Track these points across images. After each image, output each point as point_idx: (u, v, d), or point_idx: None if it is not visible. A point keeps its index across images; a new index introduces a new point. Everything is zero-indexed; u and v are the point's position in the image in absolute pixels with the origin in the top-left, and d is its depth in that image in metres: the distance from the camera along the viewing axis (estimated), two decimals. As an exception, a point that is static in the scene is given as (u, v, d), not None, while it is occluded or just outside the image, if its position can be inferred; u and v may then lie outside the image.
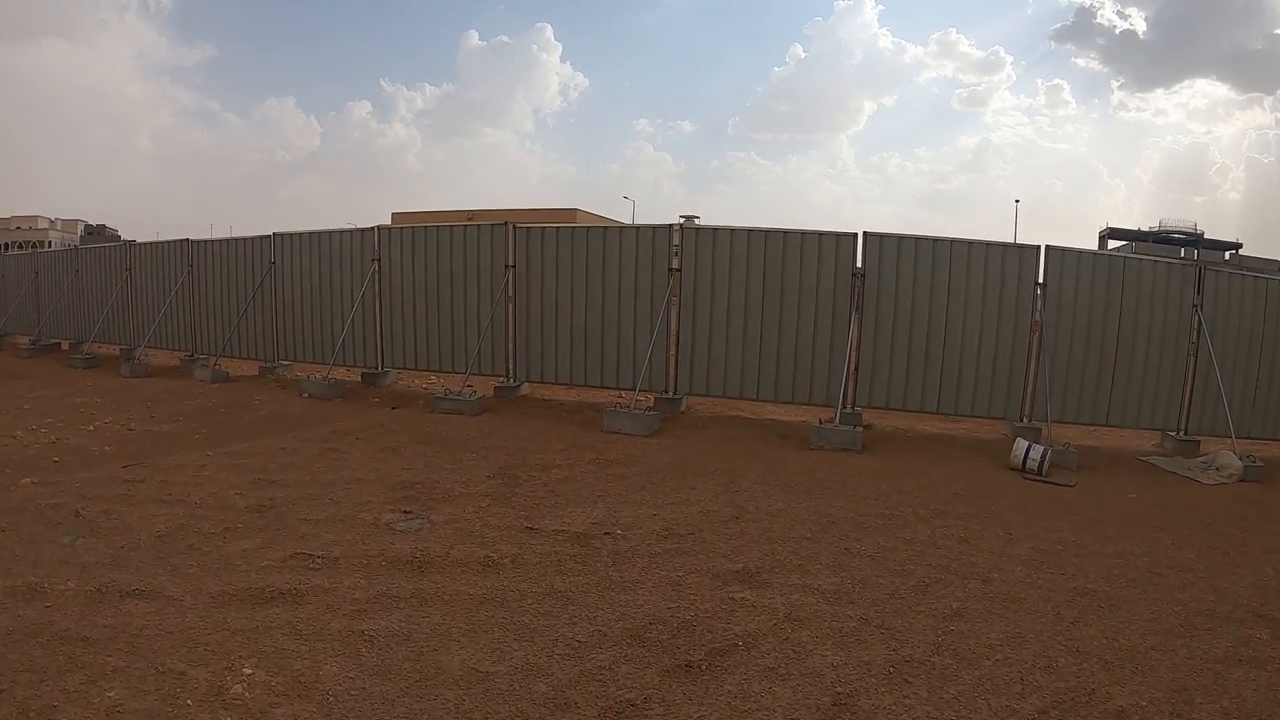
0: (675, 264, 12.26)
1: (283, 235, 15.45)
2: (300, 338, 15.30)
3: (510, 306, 13.24)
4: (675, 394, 12.49)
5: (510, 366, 13.38)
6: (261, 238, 15.74)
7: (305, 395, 13.03)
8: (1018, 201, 78.23)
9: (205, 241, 16.87)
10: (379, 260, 14.11)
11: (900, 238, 11.67)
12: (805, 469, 9.25)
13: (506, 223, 13.20)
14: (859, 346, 11.52)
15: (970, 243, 11.53)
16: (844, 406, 11.04)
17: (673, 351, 12.45)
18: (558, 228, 13.06)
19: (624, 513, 7.21)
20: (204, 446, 9.75)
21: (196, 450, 9.52)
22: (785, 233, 11.91)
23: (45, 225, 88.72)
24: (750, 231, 12.08)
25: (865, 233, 11.74)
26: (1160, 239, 73.56)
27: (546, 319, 12.97)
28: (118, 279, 18.68)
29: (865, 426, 11.32)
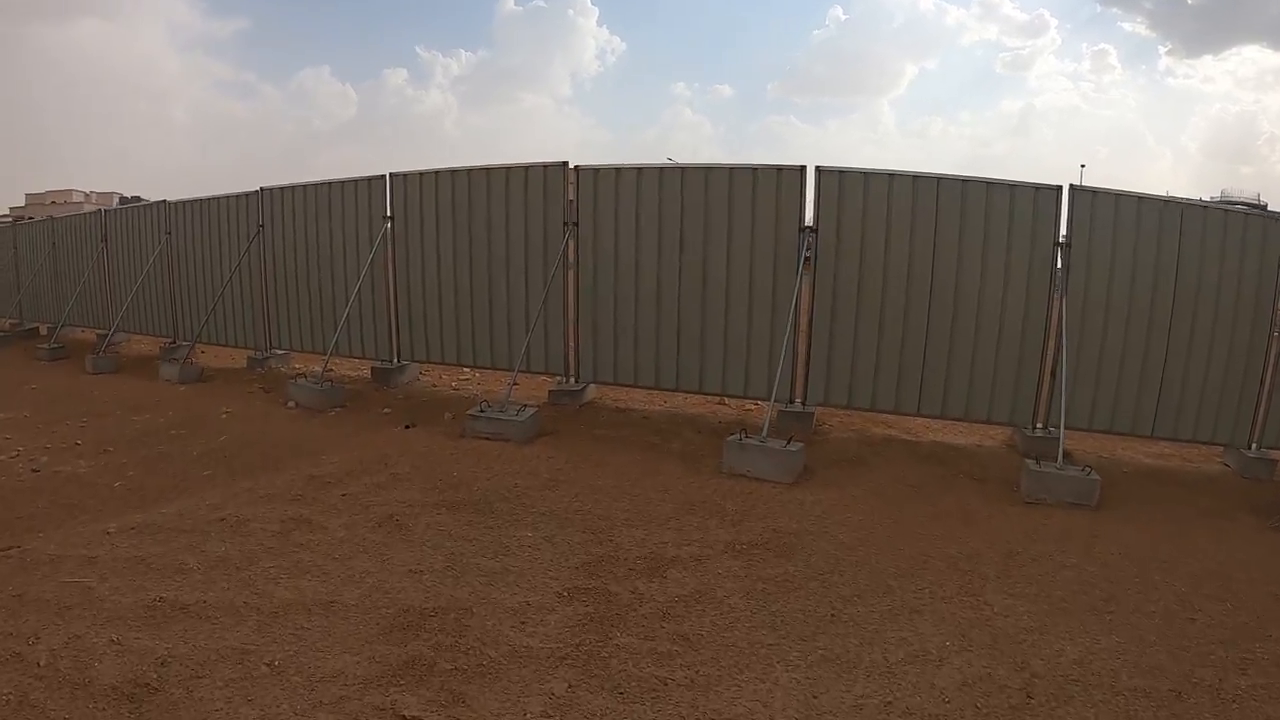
0: (811, 223, 8.46)
1: (272, 191, 11.83)
2: (297, 320, 11.82)
3: (572, 276, 9.42)
4: (805, 405, 8.70)
5: (572, 363, 9.63)
6: (247, 195, 12.17)
7: (291, 404, 9.38)
8: (1083, 167, 71.53)
9: (183, 203, 13.28)
10: (392, 218, 10.37)
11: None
12: (1034, 550, 5.70)
13: (565, 162, 9.34)
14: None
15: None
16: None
17: (803, 347, 8.68)
18: (639, 167, 9.15)
19: (831, 699, 3.59)
20: (114, 509, 6.43)
21: (98, 518, 6.20)
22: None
23: (80, 199, 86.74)
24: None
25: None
26: (1224, 210, 66.93)
27: (623, 295, 9.19)
28: (93, 252, 15.25)
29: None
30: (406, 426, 8.45)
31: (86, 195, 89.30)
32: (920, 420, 8.69)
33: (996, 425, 8.42)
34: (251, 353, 12.36)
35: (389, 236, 10.51)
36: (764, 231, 8.53)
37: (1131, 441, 8.32)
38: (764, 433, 7.25)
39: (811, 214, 8.44)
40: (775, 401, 8.29)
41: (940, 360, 8.17)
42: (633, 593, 4.83)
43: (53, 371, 13.05)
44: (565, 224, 9.31)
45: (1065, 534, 5.93)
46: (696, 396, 9.53)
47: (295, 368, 12.15)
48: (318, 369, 9.92)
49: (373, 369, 10.87)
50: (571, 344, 9.57)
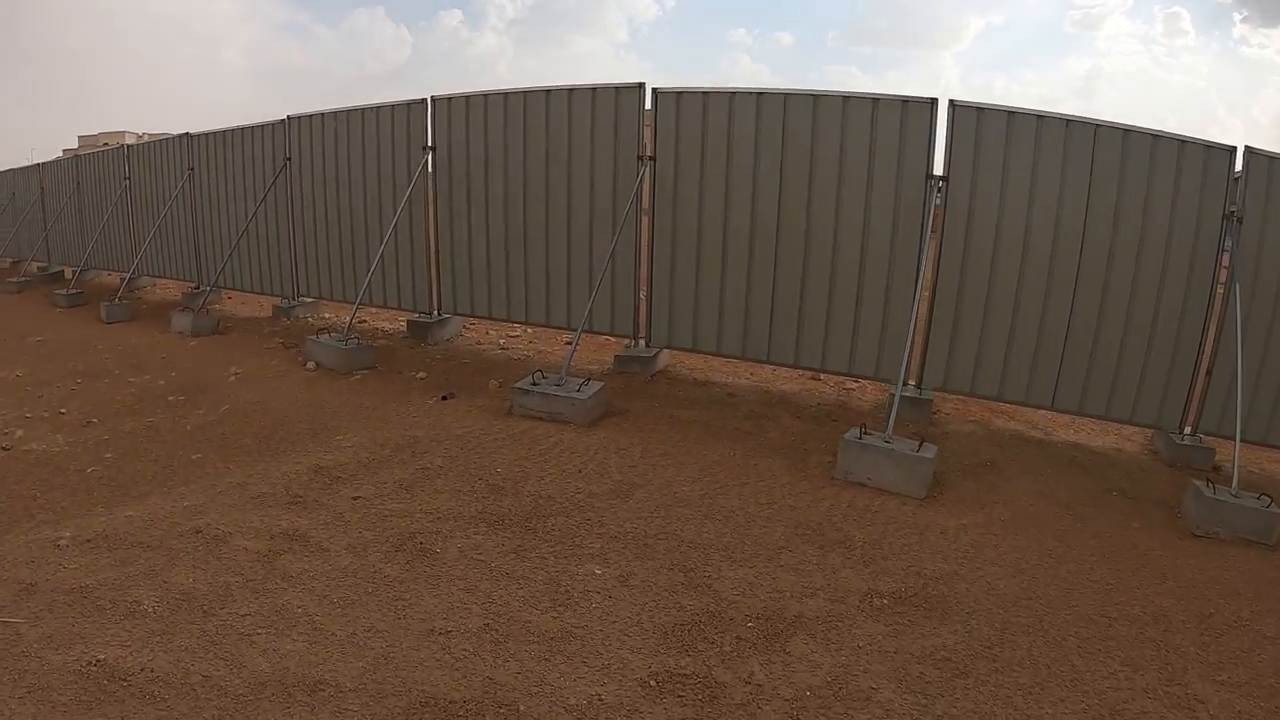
0: (940, 171, 6.75)
1: (300, 119, 10.34)
2: (327, 265, 10.45)
3: (646, 222, 7.82)
4: (921, 389, 7.08)
5: (642, 324, 8.03)
6: (273, 125, 10.74)
7: (310, 365, 7.94)
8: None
9: (206, 135, 11.83)
10: (434, 148, 8.79)
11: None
12: (1229, 612, 4.23)
13: (641, 85, 7.70)
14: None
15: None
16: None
17: (924, 322, 7.02)
18: (731, 91, 7.44)
19: None
20: (79, 505, 5.14)
21: (56, 520, 4.89)
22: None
23: (132, 141, 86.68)
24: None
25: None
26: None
27: (707, 247, 7.58)
28: (116, 191, 13.99)
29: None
30: (444, 397, 6.97)
31: (139, 137, 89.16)
32: (1043, 414, 7.14)
33: (1135, 427, 6.92)
34: (277, 300, 10.99)
35: (430, 169, 8.93)
36: (884, 178, 6.85)
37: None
38: (889, 430, 5.62)
39: (942, 161, 6.74)
40: (893, 384, 6.68)
41: (1083, 349, 6.60)
42: (747, 682, 3.31)
43: (66, 320, 11.91)
44: (639, 159, 7.65)
45: (1255, 588, 4.47)
46: (787, 370, 7.86)
47: (325, 318, 10.81)
48: (348, 319, 8.43)
49: (409, 322, 9.41)
50: (643, 302, 7.96)
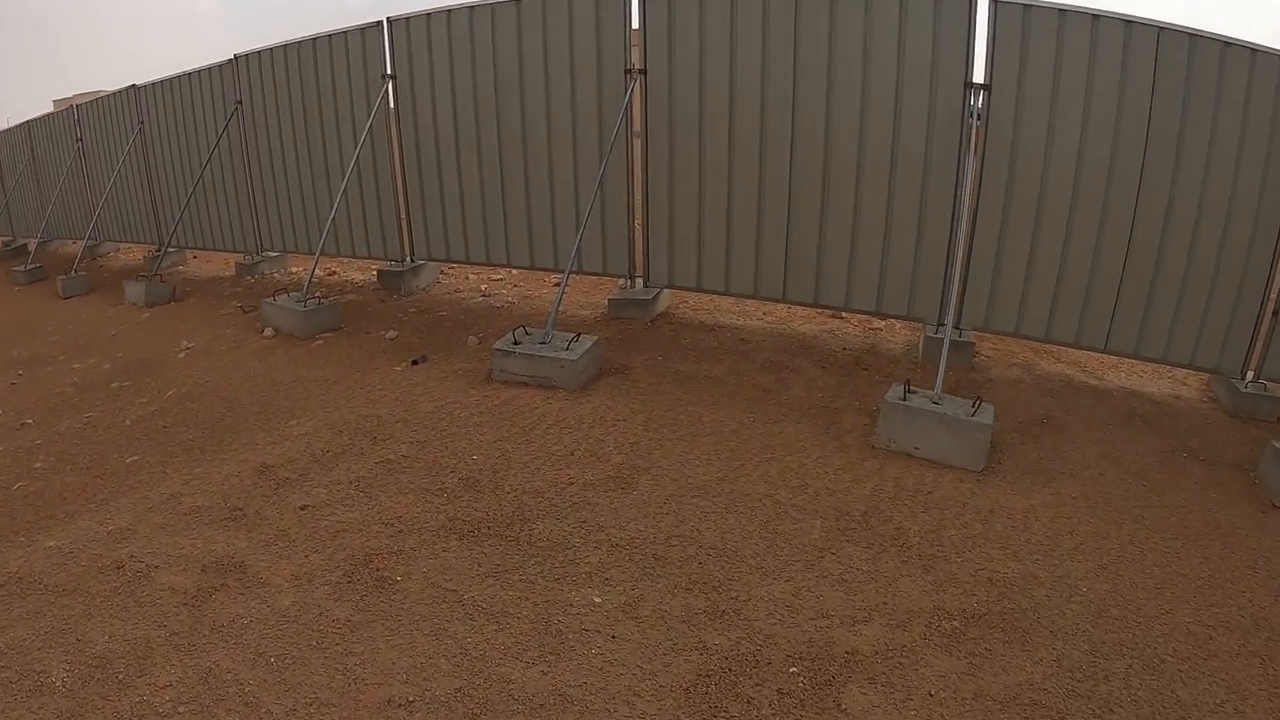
0: (981, 79, 5.76)
1: (248, 57, 9.20)
2: (289, 214, 9.45)
3: (639, 146, 6.87)
4: (961, 330, 6.20)
5: (639, 262, 7.10)
6: (221, 67, 9.58)
7: (268, 332, 7.06)
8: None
9: (154, 85, 10.68)
10: (394, 76, 7.74)
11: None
12: None
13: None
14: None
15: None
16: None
17: (963, 253, 5.95)
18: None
19: None
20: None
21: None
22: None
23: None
24: None
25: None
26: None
27: (711, 173, 6.64)
28: (69, 155, 12.91)
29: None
30: (414, 362, 6.12)
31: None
32: (1091, 355, 6.31)
33: (1193, 371, 6.07)
34: (241, 257, 10.04)
35: (391, 101, 7.89)
36: (915, 84, 5.84)
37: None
38: (939, 388, 4.77)
39: (983, 67, 5.72)
40: (928, 324, 5.86)
41: (1140, 285, 5.69)
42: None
43: (23, 299, 11.06)
44: (628, 74, 6.63)
45: None
46: (805, 309, 7.00)
47: (292, 272, 9.90)
48: (308, 276, 7.51)
49: (379, 272, 8.49)
50: (639, 237, 7.02)
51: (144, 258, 11.65)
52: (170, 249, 10.77)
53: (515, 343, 5.51)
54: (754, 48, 6.17)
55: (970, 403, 4.67)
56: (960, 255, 5.53)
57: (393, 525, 3.87)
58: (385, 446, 4.67)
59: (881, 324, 6.94)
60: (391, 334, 6.87)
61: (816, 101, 6.10)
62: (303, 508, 4.08)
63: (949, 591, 3.37)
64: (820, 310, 6.86)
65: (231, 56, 9.38)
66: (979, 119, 5.70)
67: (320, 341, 6.83)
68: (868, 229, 6.21)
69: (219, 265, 10.88)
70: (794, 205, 6.35)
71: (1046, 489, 4.31)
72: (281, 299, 7.24)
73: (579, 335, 5.59)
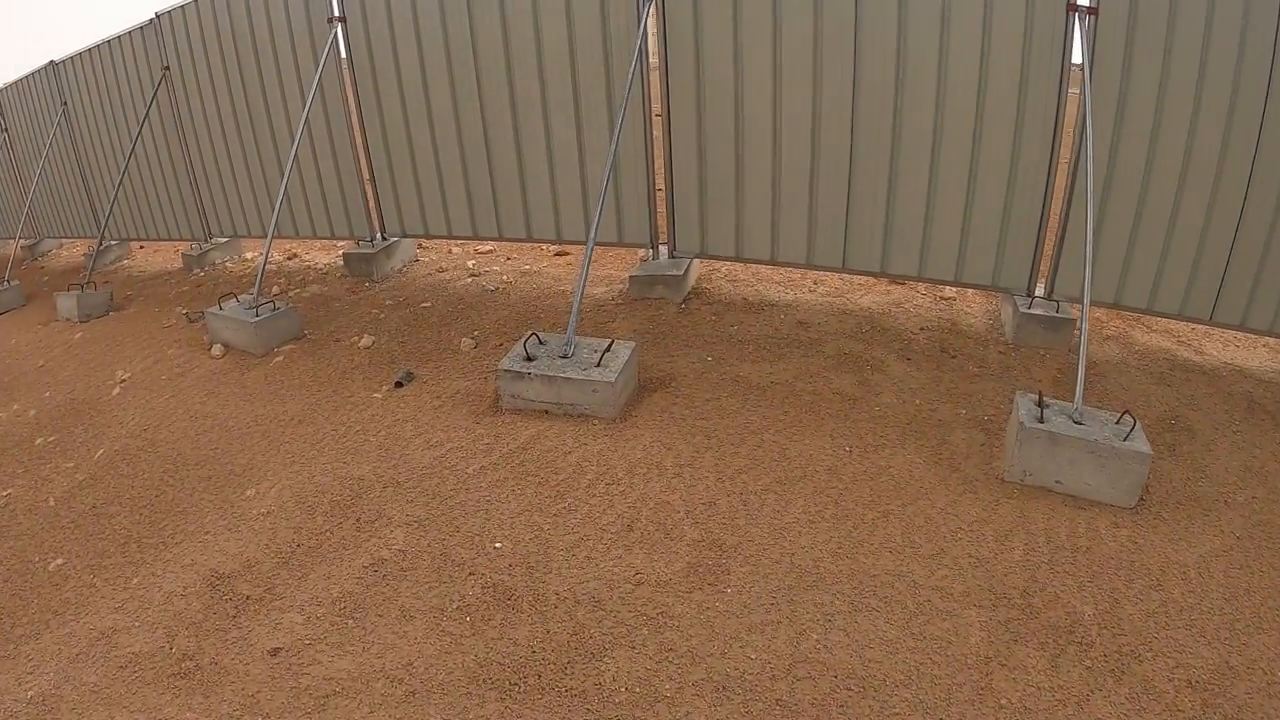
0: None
1: (172, 13, 7.60)
2: (236, 192, 8.03)
3: (657, 83, 5.57)
4: (1054, 300, 5.07)
5: (663, 226, 5.84)
6: (143, 28, 7.94)
7: (217, 350, 5.80)
8: None
9: (74, 58, 9.08)
10: (343, 18, 6.38)
11: None
12: None
13: None
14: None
15: None
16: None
17: (1058, 211, 4.75)
18: None
19: None
20: None
21: None
22: None
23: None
24: None
25: None
26: None
27: (752, 104, 5.33)
28: (-6, 145, 11.38)
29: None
30: (397, 384, 4.88)
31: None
32: (1180, 322, 5.15)
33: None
34: (188, 248, 8.68)
35: (342, 49, 6.50)
36: (1008, 9, 4.53)
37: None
38: (1078, 402, 3.67)
39: None
40: (1016, 297, 4.97)
41: (1253, 250, 4.47)
42: None
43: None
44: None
45: None
46: (861, 277, 5.78)
47: (246, 259, 8.56)
48: (258, 271, 6.18)
49: (345, 255, 7.18)
50: (661, 199, 5.75)
51: (85, 254, 10.24)
52: (110, 242, 9.37)
53: (528, 358, 4.28)
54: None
55: (1114, 417, 3.59)
56: (1089, 216, 4.25)
57: (402, 682, 2.71)
58: (374, 534, 3.48)
59: (953, 291, 5.75)
60: (366, 340, 5.62)
61: (884, 39, 4.79)
62: (274, 652, 2.92)
63: (1151, 711, 2.33)
64: (879, 278, 5.59)
65: (153, 15, 7.84)
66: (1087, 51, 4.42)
67: (280, 358, 5.57)
68: (948, 180, 4.97)
69: (167, 256, 9.52)
70: (857, 147, 5.08)
71: (1209, 529, 3.32)
72: (229, 306, 5.95)
73: (611, 343, 4.35)
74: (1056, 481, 3.53)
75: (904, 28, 4.74)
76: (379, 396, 4.74)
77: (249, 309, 5.82)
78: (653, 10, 5.19)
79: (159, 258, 9.55)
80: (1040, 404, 3.62)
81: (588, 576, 3.09)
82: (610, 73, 5.50)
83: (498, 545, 3.31)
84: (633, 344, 4.40)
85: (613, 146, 4.92)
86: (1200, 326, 5.16)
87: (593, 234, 4.73)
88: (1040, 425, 3.50)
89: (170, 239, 8.95)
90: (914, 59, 4.77)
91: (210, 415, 4.92)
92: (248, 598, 3.21)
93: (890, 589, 2.95)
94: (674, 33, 5.23)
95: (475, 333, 5.49)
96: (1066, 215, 4.83)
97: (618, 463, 3.75)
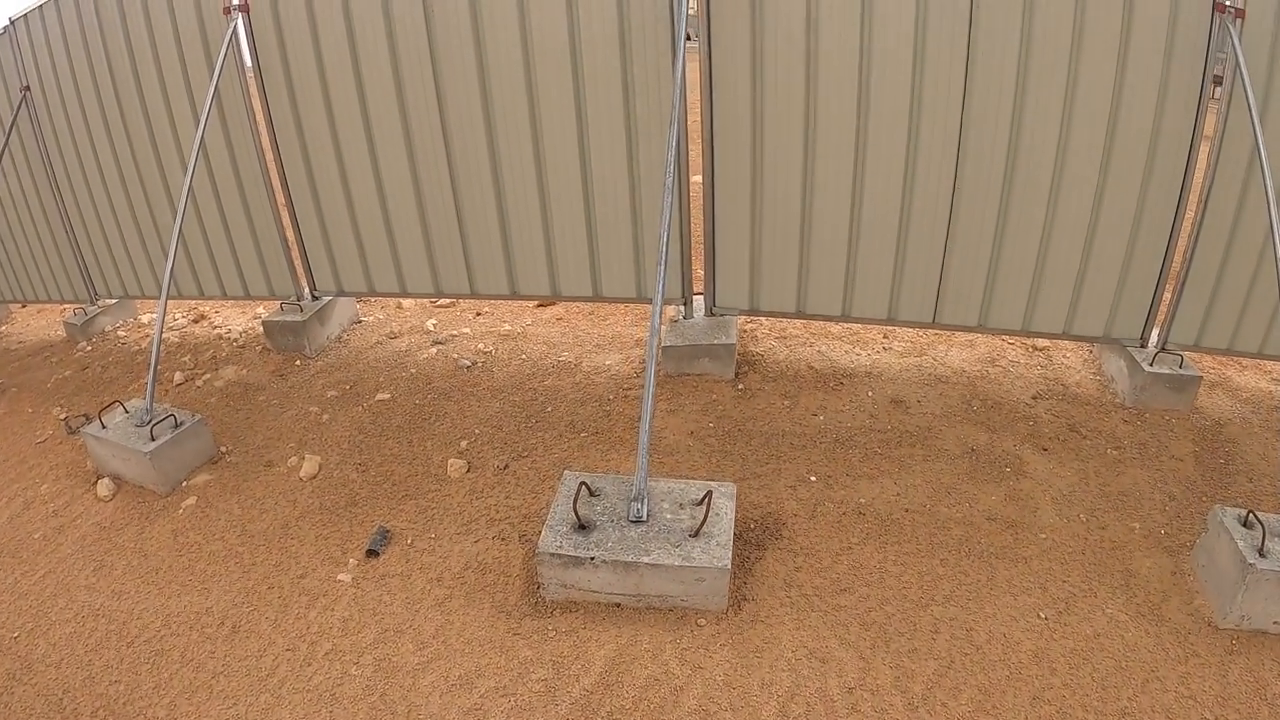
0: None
1: (29, 17, 5.70)
2: (122, 242, 6.22)
3: (699, 99, 4.06)
4: (1169, 349, 4.15)
5: (702, 272, 4.46)
6: None
7: (105, 487, 4.19)
8: None
9: None
10: (245, 7, 4.72)
11: None
12: None
13: None
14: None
15: None
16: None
17: (1183, 248, 3.95)
18: None
19: None
20: None
21: None
22: None
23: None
24: None
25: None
26: None
27: (829, 112, 3.97)
28: None
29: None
30: (370, 552, 3.34)
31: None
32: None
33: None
34: (71, 315, 6.90)
35: (247, 51, 4.89)
36: (1149, 17, 3.49)
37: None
38: None
39: None
40: (1130, 347, 4.20)
41: None
42: None
43: None
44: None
45: None
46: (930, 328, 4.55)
47: (143, 323, 6.82)
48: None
49: (265, 324, 5.56)
50: (699, 240, 4.37)
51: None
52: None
53: (581, 527, 2.82)
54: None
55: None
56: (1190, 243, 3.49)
57: None
58: None
59: (1045, 343, 4.75)
60: (309, 464, 4.09)
61: (1004, 51, 3.63)
62: None
63: None
64: (974, 332, 4.38)
65: (7, 22, 5.99)
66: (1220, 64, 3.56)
67: (192, 499, 4.01)
68: (1067, 219, 3.95)
69: (52, 318, 7.68)
70: (963, 177, 3.83)
71: None
72: (115, 424, 4.33)
73: (707, 494, 2.92)
74: (1275, 623, 2.80)
75: (1028, 36, 3.45)
76: (346, 579, 3.23)
77: (141, 424, 4.21)
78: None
79: (42, 320, 7.72)
80: (1247, 523, 2.85)
81: None
82: (629, 72, 4.04)
83: None
84: (732, 487, 2.99)
85: (668, 180, 3.42)
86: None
87: (658, 307, 3.23)
88: (1266, 563, 2.70)
89: (48, 300, 7.13)
90: (1036, 77, 3.63)
91: (104, 612, 3.35)
92: None
93: None
94: (719, 31, 3.82)
95: (463, 443, 4.02)
96: (1192, 255, 3.96)
97: (764, 704, 2.36)
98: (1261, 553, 2.72)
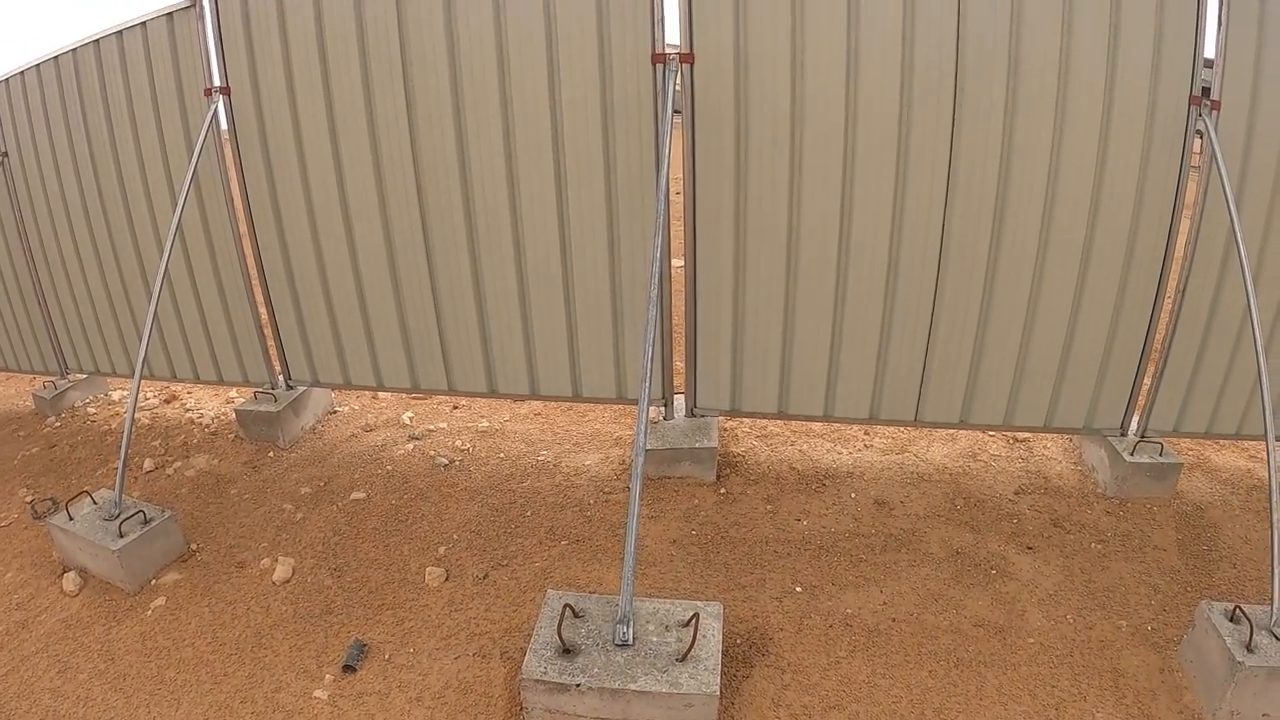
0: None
1: (9, 81, 5.63)
2: (95, 318, 6.15)
3: (684, 185, 4.21)
4: (1148, 436, 4.37)
5: (684, 372, 4.54)
6: None
7: (71, 581, 4.12)
8: None
9: None
10: (226, 89, 4.75)
11: None
12: None
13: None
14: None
15: None
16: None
17: (1162, 334, 4.14)
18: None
19: None
20: None
21: None
22: None
23: None
24: None
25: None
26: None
27: (807, 211, 4.06)
28: None
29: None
30: (346, 667, 3.26)
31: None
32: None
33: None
34: (41, 388, 6.76)
35: (225, 129, 4.86)
36: (1129, 101, 3.66)
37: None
38: (1277, 611, 2.92)
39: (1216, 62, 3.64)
40: (1111, 438, 4.28)
41: None
42: None
43: None
44: (658, 60, 3.99)
45: None
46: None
47: (113, 401, 6.69)
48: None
49: (238, 414, 5.47)
50: (679, 338, 4.43)
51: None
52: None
53: (565, 651, 2.77)
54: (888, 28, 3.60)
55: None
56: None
57: None
58: None
59: (1024, 435, 4.83)
60: (282, 568, 3.99)
61: (986, 110, 3.74)
62: None
63: None
64: (957, 429, 4.46)
65: None
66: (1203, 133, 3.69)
67: (161, 600, 3.89)
68: (1050, 309, 4.05)
69: (20, 387, 7.53)
70: (946, 274, 3.92)
71: None
72: (82, 515, 4.22)
73: (694, 616, 2.89)
74: (1265, 716, 2.84)
75: (1012, 134, 3.63)
76: (323, 696, 3.13)
77: (110, 518, 4.11)
78: (675, 81, 3.84)
79: (10, 388, 7.56)
80: (1234, 617, 2.91)
81: None
82: (610, 153, 4.11)
83: None
84: (718, 607, 2.96)
85: (653, 292, 3.44)
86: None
87: (643, 420, 3.22)
88: (1254, 659, 2.76)
89: (18, 370, 7.00)
90: (1020, 161, 3.74)
91: (69, 719, 3.21)
92: None
93: None
94: (703, 114, 3.91)
95: (441, 548, 3.96)
96: (1171, 340, 4.09)
97: None
98: (1249, 648, 2.78)
